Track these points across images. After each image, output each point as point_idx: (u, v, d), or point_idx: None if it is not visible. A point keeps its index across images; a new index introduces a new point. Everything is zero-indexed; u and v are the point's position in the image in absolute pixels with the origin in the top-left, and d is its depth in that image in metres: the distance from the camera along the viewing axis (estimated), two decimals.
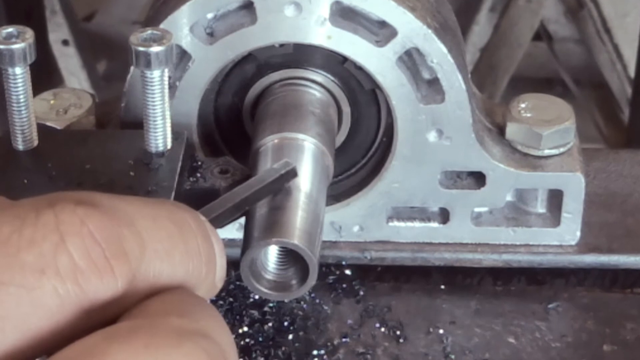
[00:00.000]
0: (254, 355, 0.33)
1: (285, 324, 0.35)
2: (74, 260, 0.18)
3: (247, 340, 0.34)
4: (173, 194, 0.29)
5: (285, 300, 0.34)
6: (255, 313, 0.35)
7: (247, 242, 0.28)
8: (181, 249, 0.21)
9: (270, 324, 0.35)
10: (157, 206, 0.22)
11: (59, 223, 0.19)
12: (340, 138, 0.35)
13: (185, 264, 0.21)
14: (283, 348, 0.34)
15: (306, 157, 0.31)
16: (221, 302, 0.36)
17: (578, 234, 0.35)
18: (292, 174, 0.29)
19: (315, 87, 0.34)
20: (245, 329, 0.35)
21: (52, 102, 0.34)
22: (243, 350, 0.34)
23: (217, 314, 0.21)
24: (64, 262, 0.19)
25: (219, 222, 0.25)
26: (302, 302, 0.36)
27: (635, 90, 0.82)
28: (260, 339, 0.34)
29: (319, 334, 0.35)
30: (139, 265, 0.19)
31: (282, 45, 0.33)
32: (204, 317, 0.20)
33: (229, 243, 0.33)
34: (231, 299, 0.36)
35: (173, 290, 0.20)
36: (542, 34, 1.00)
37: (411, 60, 0.32)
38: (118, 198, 0.21)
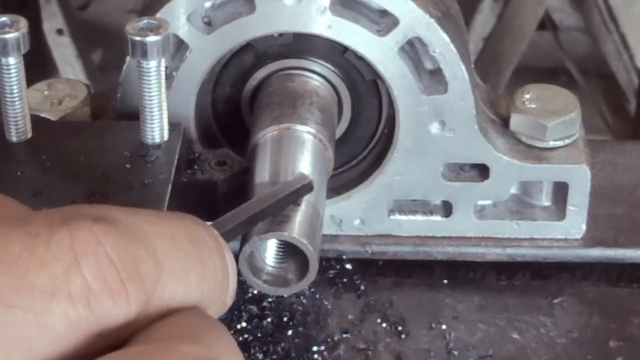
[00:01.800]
0: (252, 351, 0.33)
1: (285, 319, 0.34)
2: (87, 282, 0.17)
3: (246, 336, 0.33)
4: (170, 186, 0.28)
5: (285, 295, 0.33)
6: (253, 308, 0.34)
7: (245, 235, 0.27)
8: (198, 270, 0.20)
9: (269, 320, 0.34)
10: (175, 223, 0.21)
11: (73, 242, 0.18)
12: (341, 129, 0.35)
13: (201, 284, 0.20)
14: (282, 344, 0.33)
15: (305, 149, 0.30)
16: None
17: (584, 227, 0.35)
18: (308, 188, 0.28)
19: (315, 77, 0.33)
20: (244, 324, 0.34)
21: (46, 92, 0.34)
22: (242, 346, 0.33)
23: (229, 338, 0.20)
24: (77, 285, 0.18)
25: (230, 236, 0.24)
26: (301, 297, 0.35)
27: None
28: (259, 335, 0.33)
29: (319, 330, 0.34)
30: (154, 287, 0.19)
31: (281, 35, 0.32)
32: (217, 343, 0.19)
33: None
34: None
35: (186, 312, 0.20)
36: (546, 23, 0.99)
37: (413, 50, 0.32)
38: (135, 214, 0.21)
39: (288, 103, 0.32)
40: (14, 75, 0.28)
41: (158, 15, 0.31)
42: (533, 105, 0.33)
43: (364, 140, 0.36)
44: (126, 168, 0.29)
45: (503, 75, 0.95)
